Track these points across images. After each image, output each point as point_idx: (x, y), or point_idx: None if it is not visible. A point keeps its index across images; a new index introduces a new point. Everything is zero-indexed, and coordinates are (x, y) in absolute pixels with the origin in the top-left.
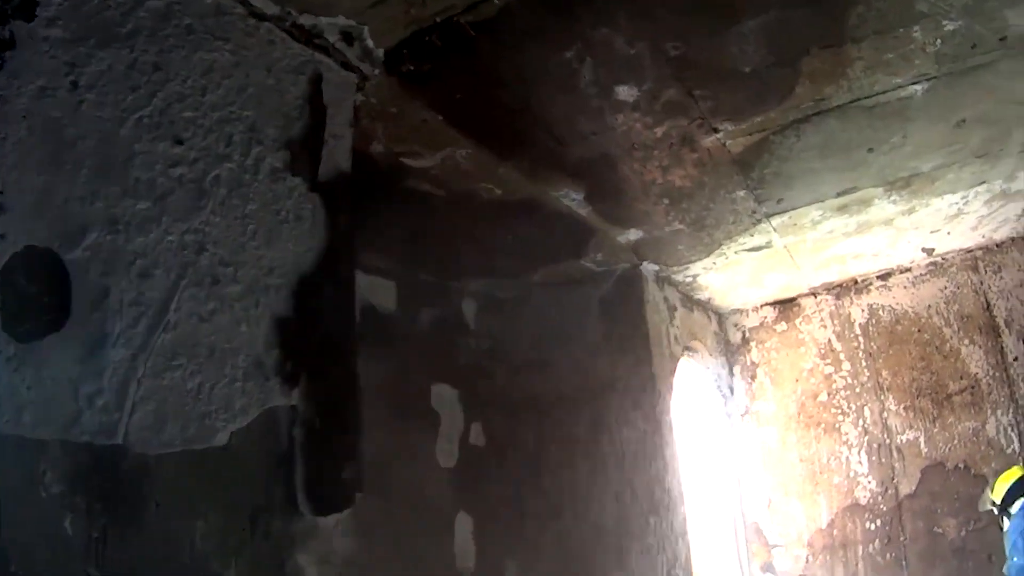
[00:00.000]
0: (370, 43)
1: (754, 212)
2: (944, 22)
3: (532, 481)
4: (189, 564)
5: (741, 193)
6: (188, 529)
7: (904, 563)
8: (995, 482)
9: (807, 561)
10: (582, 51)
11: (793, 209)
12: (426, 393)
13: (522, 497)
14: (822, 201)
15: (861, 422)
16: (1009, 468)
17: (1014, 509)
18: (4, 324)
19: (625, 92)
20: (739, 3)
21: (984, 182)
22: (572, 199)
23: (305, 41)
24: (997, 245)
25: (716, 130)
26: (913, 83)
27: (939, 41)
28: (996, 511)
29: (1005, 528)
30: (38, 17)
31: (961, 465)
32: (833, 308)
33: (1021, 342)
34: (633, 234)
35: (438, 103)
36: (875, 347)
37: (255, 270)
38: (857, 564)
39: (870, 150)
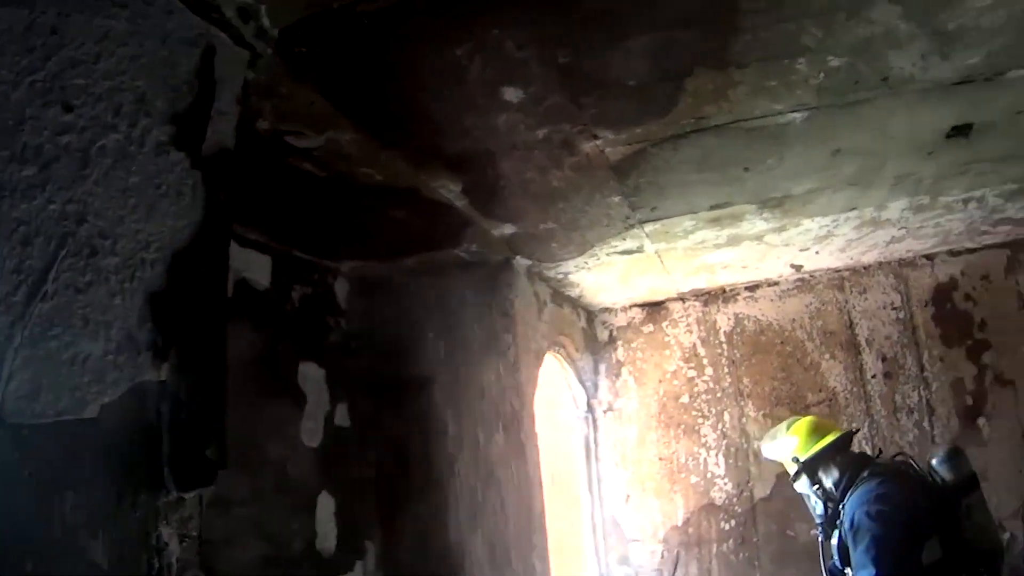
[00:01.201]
0: (266, 22)
1: (628, 217)
2: (829, 58)
3: (395, 464)
4: (59, 536)
5: (616, 199)
6: (59, 501)
7: (757, 563)
8: (794, 427)
9: (662, 556)
10: (473, 50)
11: (667, 217)
12: (294, 371)
13: (385, 480)
14: (695, 212)
15: (720, 426)
16: (806, 414)
17: (848, 502)
18: None
19: (511, 93)
20: (629, 20)
21: (855, 208)
22: (451, 190)
23: (202, 13)
24: (864, 268)
25: (597, 137)
26: (793, 111)
27: (822, 75)
28: (797, 467)
29: (806, 493)
30: None
31: None
32: (700, 314)
33: (880, 361)
34: (508, 228)
35: (327, 87)
36: (738, 355)
37: (133, 243)
38: (711, 561)
39: (746, 169)
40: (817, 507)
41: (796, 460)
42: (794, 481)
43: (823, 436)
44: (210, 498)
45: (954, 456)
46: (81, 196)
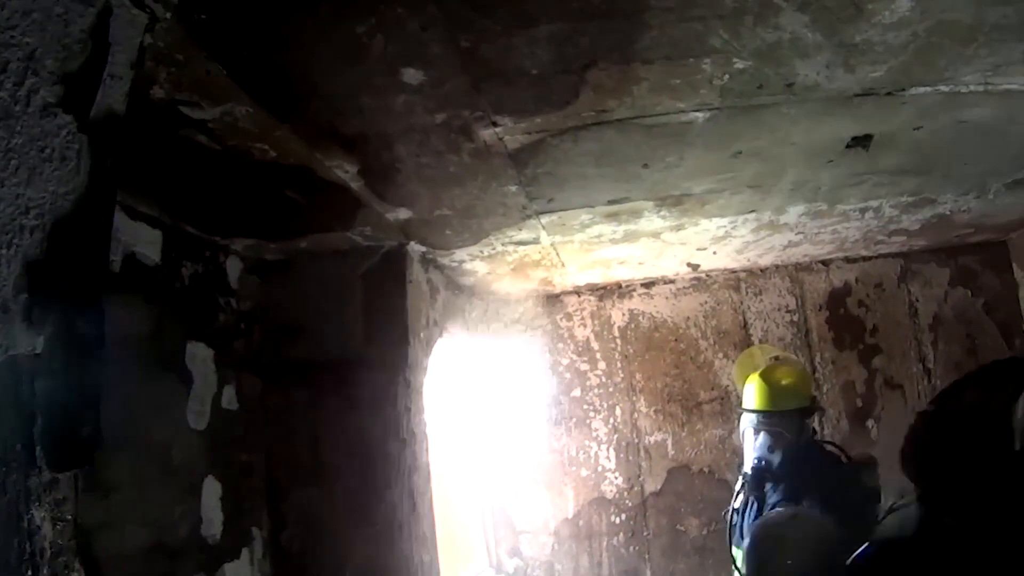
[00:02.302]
0: None
1: (524, 208)
2: (735, 60)
3: (283, 449)
4: None
5: (513, 188)
6: None
7: (647, 556)
8: (738, 367)
9: (553, 548)
10: (375, 28)
11: (563, 210)
12: (181, 351)
13: (272, 465)
14: (592, 207)
15: (612, 420)
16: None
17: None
18: None
19: (411, 75)
20: (534, 8)
21: (754, 211)
22: (346, 171)
23: None
24: (761, 270)
25: (496, 124)
26: (696, 110)
27: (727, 76)
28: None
29: (750, 441)
30: None
31: (706, 469)
32: (595, 308)
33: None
34: (403, 213)
35: (224, 57)
36: (631, 350)
37: (12, 208)
38: (602, 554)
39: (645, 166)
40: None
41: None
42: (757, 430)
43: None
44: (88, 481)
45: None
46: None
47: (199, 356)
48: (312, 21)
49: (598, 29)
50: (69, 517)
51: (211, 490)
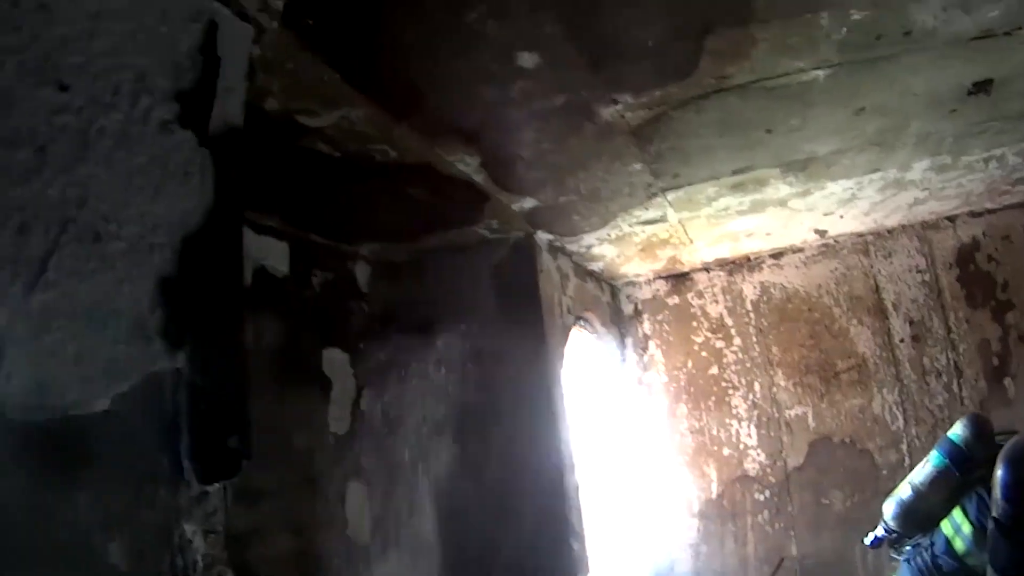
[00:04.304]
0: None
1: (650, 186)
2: (851, 11)
3: (424, 448)
4: (71, 539)
5: (637, 166)
6: (69, 501)
7: (792, 533)
8: None
9: (698, 530)
10: (485, 14)
11: (689, 184)
12: (317, 358)
13: (415, 464)
14: (718, 178)
15: (751, 396)
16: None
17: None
18: None
19: (527, 59)
20: None
21: (879, 170)
22: (467, 164)
23: None
24: (888, 231)
25: (616, 102)
26: (816, 68)
27: (845, 30)
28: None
29: None
30: None
31: (847, 440)
32: (725, 284)
33: (908, 324)
34: (528, 202)
35: (336, 60)
36: (766, 324)
37: (139, 227)
38: (747, 534)
39: (768, 131)
40: None
41: None
42: None
43: None
44: (236, 491)
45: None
46: (82, 179)
47: (336, 362)
48: (420, 14)
49: None
50: (220, 528)
51: (356, 493)
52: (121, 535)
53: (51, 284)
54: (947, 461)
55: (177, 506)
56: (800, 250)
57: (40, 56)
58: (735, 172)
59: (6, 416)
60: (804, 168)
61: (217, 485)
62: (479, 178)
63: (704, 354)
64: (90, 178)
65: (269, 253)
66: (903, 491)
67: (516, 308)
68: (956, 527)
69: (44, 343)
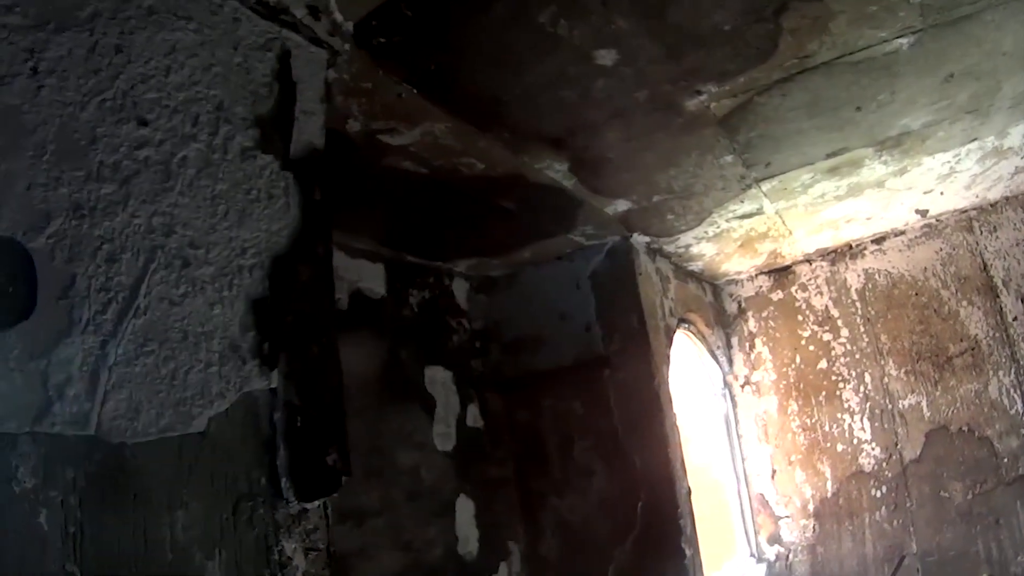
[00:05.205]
0: (338, 16)
1: (743, 177)
2: None
3: (532, 460)
4: (171, 556)
5: (729, 158)
6: (169, 520)
7: (911, 529)
8: None
9: (814, 530)
10: (557, 14)
11: (782, 173)
12: (420, 376)
13: (523, 477)
14: (812, 164)
15: (862, 388)
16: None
17: None
18: None
19: (604, 56)
20: None
21: (976, 139)
22: (556, 171)
23: (271, 17)
24: (991, 204)
25: (700, 92)
26: (899, 36)
27: None
28: None
29: None
30: None
31: (965, 428)
32: (828, 274)
33: (1020, 302)
34: (621, 205)
35: (412, 76)
36: (872, 312)
37: (227, 251)
38: (864, 532)
39: (858, 108)
40: None
41: None
42: None
43: None
44: (342, 510)
45: None
46: (167, 208)
47: (438, 379)
48: (491, 21)
49: None
50: (322, 546)
51: (464, 508)
52: (220, 553)
53: (143, 310)
54: None
55: (276, 523)
56: (902, 233)
57: (120, 95)
58: (828, 155)
59: (103, 439)
60: (898, 144)
61: (316, 502)
62: (569, 183)
63: (812, 348)
64: (175, 207)
65: (364, 275)
66: None
67: (618, 314)
68: None
69: (138, 367)
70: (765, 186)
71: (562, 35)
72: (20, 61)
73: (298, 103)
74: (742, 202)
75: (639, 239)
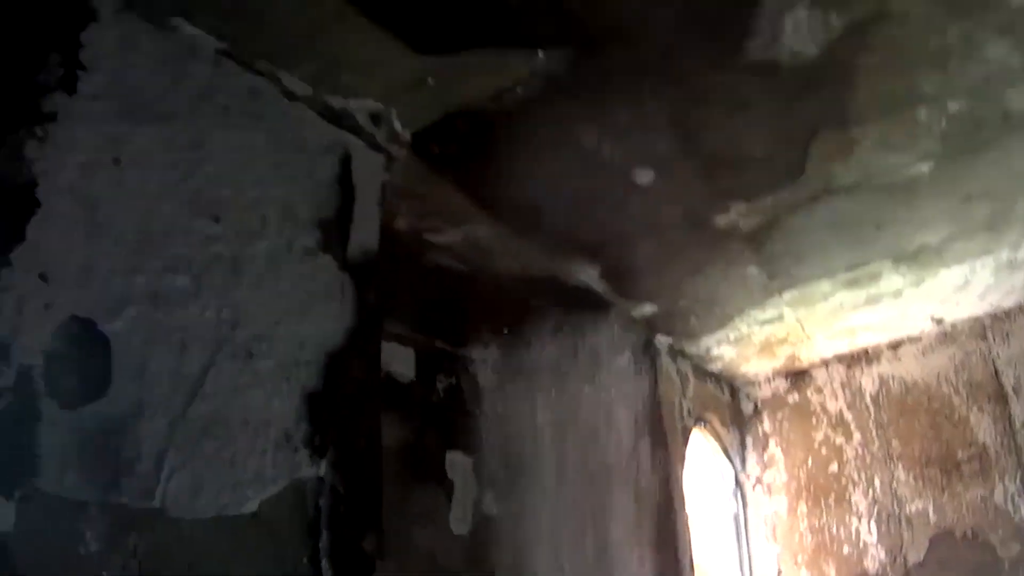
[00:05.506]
0: (398, 126)
1: (766, 287)
2: (948, 103)
3: (546, 550)
4: None
5: (753, 269)
6: None
7: None
8: None
9: None
10: (601, 135)
11: (804, 283)
12: (441, 461)
13: (536, 567)
14: (832, 275)
15: (871, 492)
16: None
17: None
18: (49, 389)
19: (642, 175)
20: (748, 91)
21: (991, 253)
22: (588, 275)
23: (335, 121)
24: (1005, 313)
25: (729, 210)
26: (920, 162)
27: (944, 121)
28: None
29: None
30: (80, 92)
31: (969, 533)
32: (844, 378)
33: None
34: (647, 308)
35: (462, 183)
36: (885, 417)
37: (287, 345)
38: None
39: (878, 226)
40: None
41: None
42: None
43: None
44: None
45: None
46: (235, 302)
47: (458, 464)
48: (538, 140)
49: (813, 99)
50: None
51: None
52: None
53: (208, 397)
54: None
55: None
56: (917, 339)
57: (195, 190)
58: (848, 268)
59: (165, 513)
60: (916, 258)
61: None
62: (600, 287)
63: (824, 451)
64: (242, 301)
65: (395, 359)
66: None
67: (637, 412)
68: None
69: (201, 449)
70: (787, 295)
71: (603, 154)
72: (104, 151)
73: (357, 206)
74: (764, 309)
75: (662, 340)
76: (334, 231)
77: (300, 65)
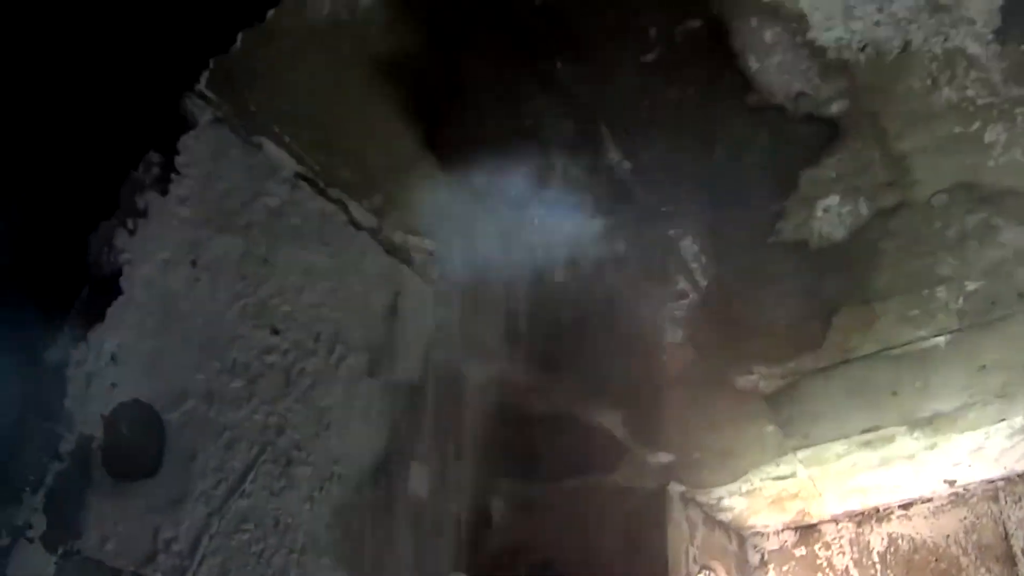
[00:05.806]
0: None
1: (781, 445)
2: (966, 283)
3: None
4: None
5: (770, 428)
6: None
7: None
8: None
9: None
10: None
11: (819, 444)
12: None
13: None
14: (847, 437)
15: None
16: None
17: None
18: (104, 461)
19: (673, 335)
20: (777, 268)
21: (1004, 419)
22: (611, 420)
23: (393, 252)
24: (1019, 476)
25: (752, 372)
26: (936, 335)
27: (961, 299)
28: None
29: None
30: (171, 193)
31: None
32: (853, 535)
33: None
34: (663, 456)
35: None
36: (892, 575)
37: (324, 457)
38: None
39: (894, 393)
40: None
41: None
42: None
43: None
44: None
45: None
46: (282, 410)
47: None
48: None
49: (838, 277)
50: None
51: None
52: None
53: (247, 494)
54: None
55: None
56: (929, 500)
57: (259, 302)
58: (863, 431)
59: None
60: (930, 424)
61: None
62: (619, 432)
63: None
64: (289, 411)
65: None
66: None
67: (643, 556)
68: None
69: (234, 541)
70: (801, 454)
71: (635, 319)
72: (185, 252)
73: (403, 336)
74: (777, 466)
75: (675, 488)
76: (380, 357)
77: (370, 197)
